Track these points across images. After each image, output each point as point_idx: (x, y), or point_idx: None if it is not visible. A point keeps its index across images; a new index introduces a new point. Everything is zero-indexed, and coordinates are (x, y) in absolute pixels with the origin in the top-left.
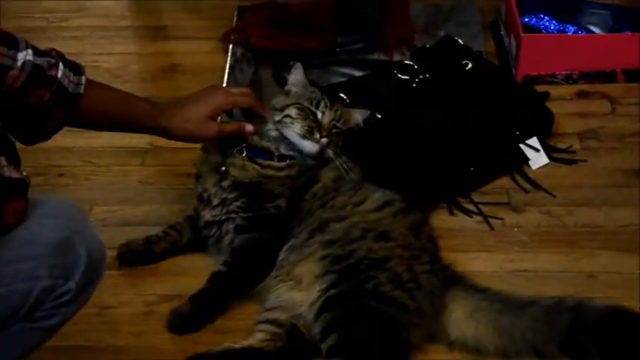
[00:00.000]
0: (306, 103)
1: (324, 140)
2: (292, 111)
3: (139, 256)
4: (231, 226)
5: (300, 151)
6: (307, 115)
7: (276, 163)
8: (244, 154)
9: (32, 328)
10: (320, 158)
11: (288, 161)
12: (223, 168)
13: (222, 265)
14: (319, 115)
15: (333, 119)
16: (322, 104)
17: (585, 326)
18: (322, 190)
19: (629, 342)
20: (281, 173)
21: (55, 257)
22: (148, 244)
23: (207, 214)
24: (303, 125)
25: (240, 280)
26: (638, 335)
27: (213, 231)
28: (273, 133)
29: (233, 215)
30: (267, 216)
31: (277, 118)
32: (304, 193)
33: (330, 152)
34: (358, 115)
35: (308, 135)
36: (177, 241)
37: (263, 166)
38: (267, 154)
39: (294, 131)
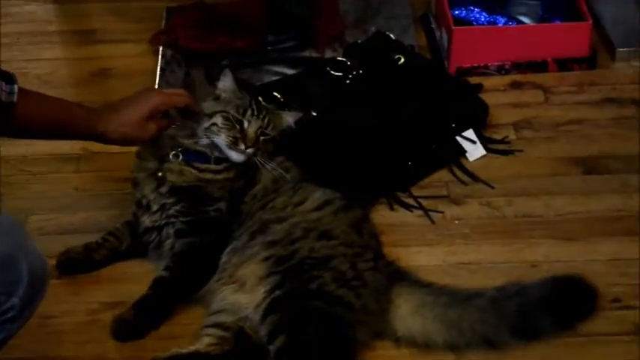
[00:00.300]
0: (232, 112)
1: (249, 150)
2: (218, 120)
3: (78, 264)
4: (171, 230)
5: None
6: (233, 124)
7: (213, 167)
8: (180, 159)
9: None
10: (248, 165)
11: (224, 164)
12: (160, 174)
13: (163, 270)
14: (245, 124)
15: (260, 127)
16: (249, 112)
17: (533, 305)
18: (262, 192)
19: (575, 304)
20: (219, 176)
21: None
22: (87, 252)
23: (146, 220)
24: (228, 135)
25: (182, 285)
26: (581, 296)
27: (154, 236)
28: (204, 140)
29: (173, 220)
30: (207, 219)
31: (206, 125)
32: (244, 195)
33: (258, 160)
34: (289, 118)
35: (233, 146)
36: (117, 247)
37: (200, 170)
38: (204, 157)
39: (220, 140)
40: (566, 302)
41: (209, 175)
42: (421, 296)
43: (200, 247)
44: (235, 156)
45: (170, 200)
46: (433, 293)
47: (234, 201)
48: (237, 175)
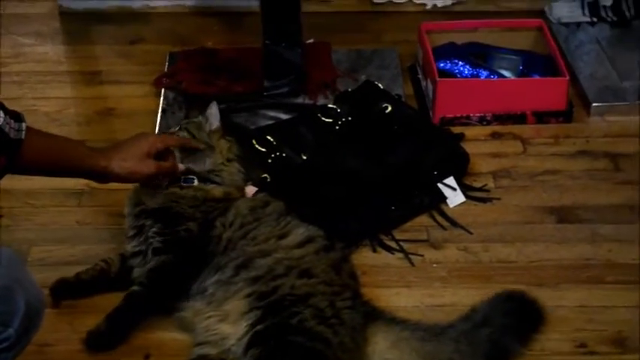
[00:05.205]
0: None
1: None
2: None
3: (68, 287)
4: (150, 251)
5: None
6: None
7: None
8: None
9: None
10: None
11: (194, 183)
12: (141, 197)
13: (136, 285)
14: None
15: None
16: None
17: (500, 333)
18: (240, 219)
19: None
20: (184, 192)
21: None
22: (76, 275)
23: (129, 247)
24: None
25: (152, 300)
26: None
27: (138, 260)
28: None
29: (151, 240)
30: (178, 239)
31: None
32: (214, 220)
33: None
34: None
35: None
36: (106, 270)
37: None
38: None
39: None
40: (525, 321)
41: (175, 190)
42: (398, 331)
43: (171, 265)
44: None
45: (147, 222)
46: (409, 328)
47: (205, 225)
48: (207, 200)
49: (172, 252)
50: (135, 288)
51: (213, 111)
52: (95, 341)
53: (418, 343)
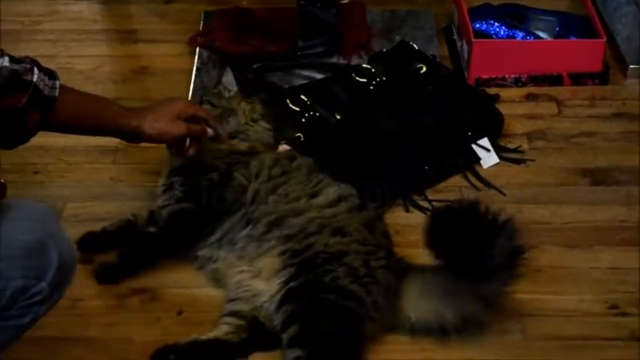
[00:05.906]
0: None
1: None
2: None
3: (95, 239)
4: (174, 201)
5: None
6: None
7: None
8: None
9: (5, 325)
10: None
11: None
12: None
13: (153, 227)
14: None
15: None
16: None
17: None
18: (266, 171)
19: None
20: (209, 146)
21: (28, 259)
22: (102, 228)
23: (159, 201)
24: None
25: (167, 242)
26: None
27: (165, 212)
28: None
29: (175, 192)
30: (200, 188)
31: None
32: (234, 171)
33: None
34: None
35: None
36: (132, 223)
37: None
38: None
39: None
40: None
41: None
42: (422, 278)
43: (189, 211)
44: None
45: (176, 179)
46: (431, 272)
47: (225, 174)
48: (232, 152)
49: (192, 200)
50: (151, 229)
51: (229, 78)
52: (103, 273)
53: (434, 280)
